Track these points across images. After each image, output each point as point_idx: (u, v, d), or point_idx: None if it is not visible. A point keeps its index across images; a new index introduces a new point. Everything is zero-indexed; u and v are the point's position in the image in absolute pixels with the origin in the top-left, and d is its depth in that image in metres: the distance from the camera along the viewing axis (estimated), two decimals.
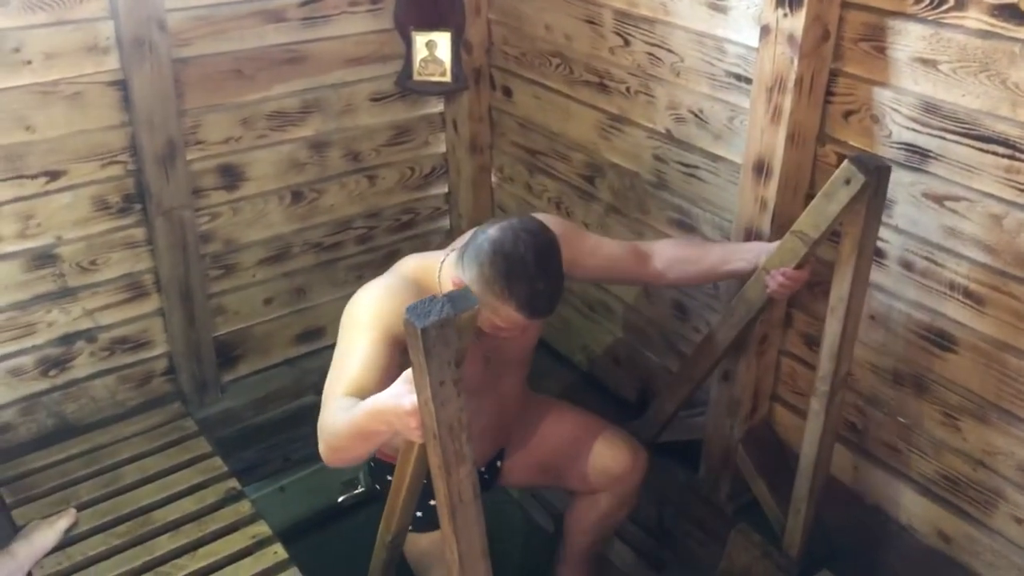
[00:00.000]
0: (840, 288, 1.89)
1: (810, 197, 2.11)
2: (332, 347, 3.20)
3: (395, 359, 1.73)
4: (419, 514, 2.17)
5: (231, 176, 2.77)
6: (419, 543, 2.26)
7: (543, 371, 3.16)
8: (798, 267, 1.95)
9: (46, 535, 2.28)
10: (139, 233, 2.66)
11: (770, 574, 2.26)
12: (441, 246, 3.34)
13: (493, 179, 3.25)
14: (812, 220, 1.85)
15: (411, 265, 1.96)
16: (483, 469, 2.34)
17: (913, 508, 2.20)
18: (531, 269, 1.70)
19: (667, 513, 2.76)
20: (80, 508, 2.39)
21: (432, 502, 2.20)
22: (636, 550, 2.90)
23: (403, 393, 1.41)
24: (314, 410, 3.14)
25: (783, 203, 2.10)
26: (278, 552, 2.32)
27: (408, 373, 1.40)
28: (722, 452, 2.50)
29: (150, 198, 2.59)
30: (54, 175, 2.46)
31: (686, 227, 2.53)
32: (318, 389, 3.13)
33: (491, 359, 2.06)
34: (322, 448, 1.70)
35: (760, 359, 2.34)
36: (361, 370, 1.72)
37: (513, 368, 2.18)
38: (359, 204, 3.10)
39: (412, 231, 3.29)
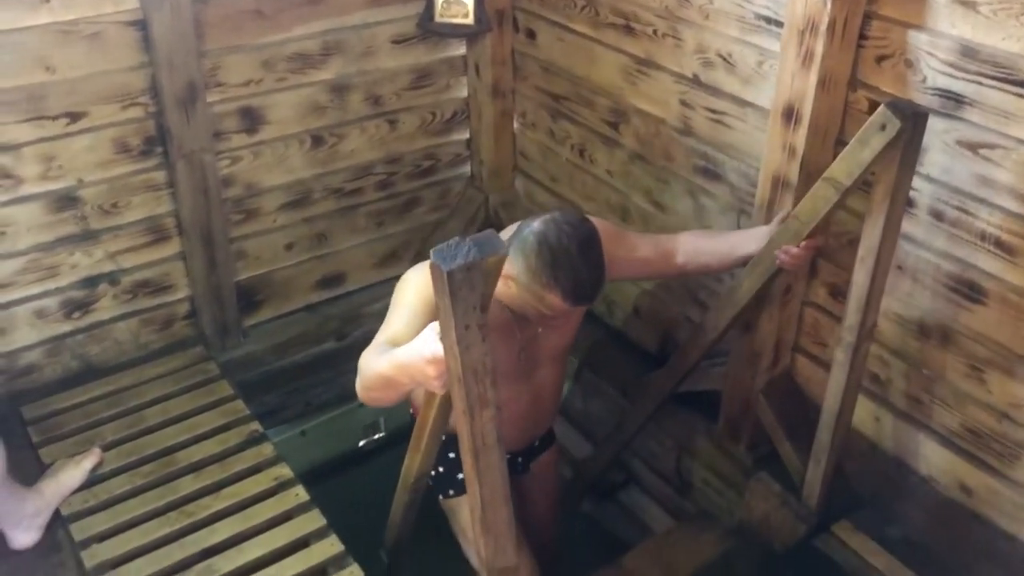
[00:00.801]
0: (870, 238, 1.85)
1: (841, 144, 2.08)
2: (353, 293, 3.25)
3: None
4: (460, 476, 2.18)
5: (252, 119, 2.75)
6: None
7: None
8: (810, 236, 1.97)
9: (72, 474, 2.33)
10: (160, 176, 2.65)
11: (789, 523, 2.26)
12: (462, 194, 3.34)
13: (515, 124, 3.21)
14: (845, 167, 1.81)
15: None
16: (520, 459, 2.36)
17: (935, 460, 2.19)
18: (575, 259, 1.78)
19: (685, 462, 2.77)
20: (105, 448, 2.44)
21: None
22: (655, 499, 2.92)
23: (427, 340, 1.43)
24: (335, 356, 3.19)
25: (812, 150, 2.06)
26: (300, 494, 2.34)
27: (434, 325, 1.42)
28: (742, 403, 2.49)
29: (171, 141, 2.57)
30: (75, 116, 2.45)
31: (711, 175, 2.49)
32: (339, 335, 3.19)
33: (524, 351, 2.10)
34: (358, 387, 1.75)
35: (783, 310, 2.31)
36: (403, 327, 1.78)
37: (548, 363, 2.21)
38: (380, 149, 3.07)
39: (433, 177, 3.26)
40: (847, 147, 1.81)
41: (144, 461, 2.42)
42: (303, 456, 3.28)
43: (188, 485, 2.35)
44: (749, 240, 2.15)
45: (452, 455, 2.14)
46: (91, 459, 2.36)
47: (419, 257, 3.33)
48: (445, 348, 1.35)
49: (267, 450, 2.47)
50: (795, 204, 2.13)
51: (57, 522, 2.26)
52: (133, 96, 2.51)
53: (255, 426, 2.55)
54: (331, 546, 2.21)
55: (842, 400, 2.07)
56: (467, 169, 3.33)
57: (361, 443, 3.49)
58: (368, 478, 3.46)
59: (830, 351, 2.35)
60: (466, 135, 3.25)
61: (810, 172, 2.07)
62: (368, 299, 3.26)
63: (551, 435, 2.49)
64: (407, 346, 1.50)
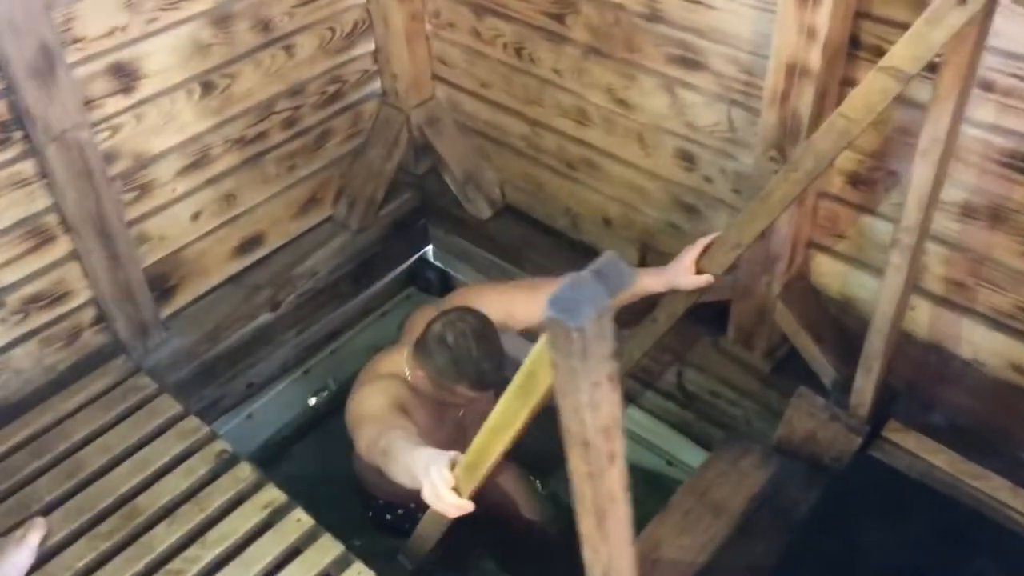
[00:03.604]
0: (936, 128, 1.61)
1: (863, 17, 1.80)
2: (277, 252, 2.83)
3: (402, 407, 2.11)
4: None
5: (125, 76, 2.22)
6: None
7: (523, 242, 2.85)
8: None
9: (18, 556, 1.93)
10: (27, 168, 2.12)
11: (841, 437, 2.10)
12: (376, 115, 2.91)
13: (428, 27, 2.77)
14: (909, 52, 1.53)
15: (382, 363, 2.25)
16: None
17: (981, 343, 2.05)
18: (474, 352, 2.01)
19: (688, 375, 2.58)
20: (45, 512, 2.02)
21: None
22: (657, 417, 2.74)
23: (436, 470, 1.58)
24: (271, 329, 2.80)
25: (837, 31, 1.77)
26: (301, 519, 2.01)
27: (442, 460, 1.59)
28: (757, 310, 2.28)
29: (32, 123, 2.04)
30: None
31: (690, 64, 2.17)
32: (273, 304, 2.78)
33: (462, 422, 2.31)
34: (381, 451, 1.90)
35: (800, 207, 2.08)
36: (398, 420, 2.02)
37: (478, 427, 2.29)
38: (279, 82, 2.59)
39: (341, 103, 2.81)
40: (912, 29, 1.52)
41: (100, 518, 2.01)
42: (253, 438, 2.96)
43: (164, 537, 1.97)
44: (652, 280, 2.13)
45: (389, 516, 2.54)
46: (36, 532, 1.94)
47: (341, 195, 2.92)
48: (566, 412, 1.04)
49: (244, 472, 2.10)
50: (816, 94, 1.87)
51: None
52: None
53: (221, 446, 2.17)
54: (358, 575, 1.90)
55: (897, 304, 1.88)
56: (377, 85, 2.89)
57: (311, 402, 3.17)
58: (324, 443, 3.17)
59: (850, 243, 2.17)
60: (371, 46, 2.80)
61: (833, 57, 1.79)
62: (295, 257, 2.85)
63: None
64: (422, 459, 1.66)
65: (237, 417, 2.88)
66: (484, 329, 2.05)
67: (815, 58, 1.81)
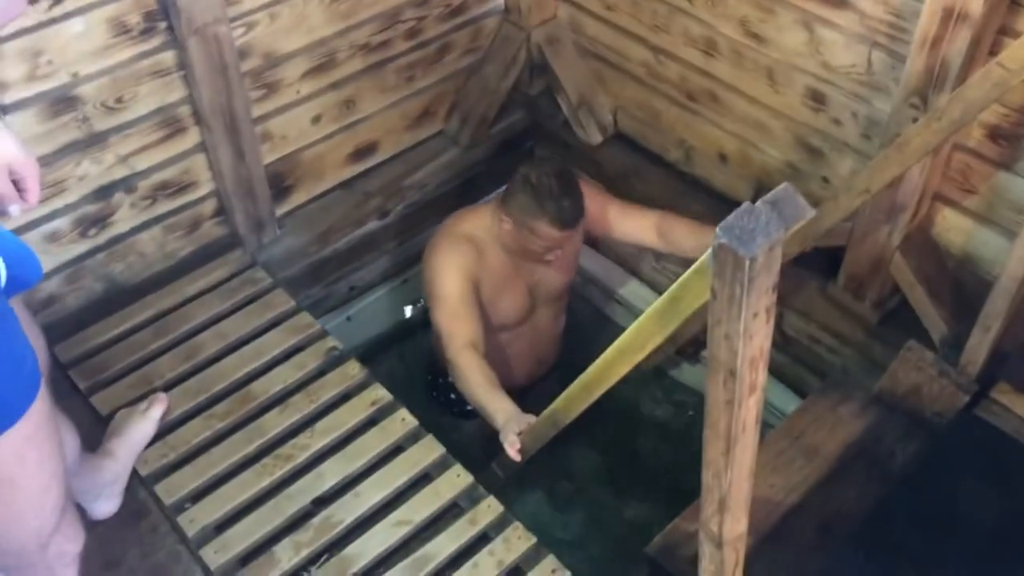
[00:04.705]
0: None
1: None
2: (388, 162, 2.87)
3: (474, 281, 2.29)
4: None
5: None
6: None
7: (631, 171, 2.83)
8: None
9: (142, 427, 2.04)
10: (168, 58, 2.18)
11: (948, 394, 2.08)
12: (496, 32, 2.89)
13: None
14: None
15: (465, 221, 2.37)
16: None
17: None
18: (556, 190, 2.16)
19: (788, 319, 2.56)
20: (166, 389, 2.13)
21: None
22: None
23: (513, 427, 1.89)
24: (378, 236, 2.86)
25: (991, 9, 1.70)
26: (406, 419, 2.08)
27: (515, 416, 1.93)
28: (873, 260, 2.24)
29: (177, 14, 2.08)
30: None
31: (835, 2, 2.10)
32: (382, 213, 2.83)
33: (533, 292, 2.48)
34: (450, 361, 2.17)
35: (934, 156, 2.02)
36: (473, 323, 2.20)
37: (549, 303, 2.57)
38: None
39: (464, 16, 2.80)
40: None
41: (215, 399, 2.12)
42: (350, 340, 3.04)
43: (275, 423, 2.07)
44: None
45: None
46: (158, 407, 2.06)
47: (454, 111, 2.93)
48: (716, 337, 1.06)
49: (353, 370, 2.18)
50: (972, 41, 1.80)
51: (135, 482, 1.99)
52: None
53: (331, 343, 2.24)
54: (457, 477, 1.97)
55: None
56: (501, 1, 2.86)
57: (408, 312, 3.25)
58: (414, 353, 3.25)
59: (980, 199, 2.11)
60: None
61: (978, 41, 1.73)
62: (406, 168, 2.88)
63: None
64: (502, 410, 1.97)
65: (338, 318, 2.97)
66: (567, 172, 2.24)
67: (976, 3, 1.74)
